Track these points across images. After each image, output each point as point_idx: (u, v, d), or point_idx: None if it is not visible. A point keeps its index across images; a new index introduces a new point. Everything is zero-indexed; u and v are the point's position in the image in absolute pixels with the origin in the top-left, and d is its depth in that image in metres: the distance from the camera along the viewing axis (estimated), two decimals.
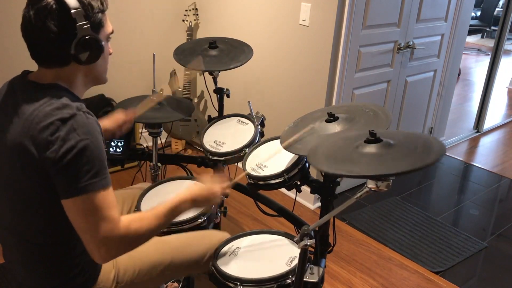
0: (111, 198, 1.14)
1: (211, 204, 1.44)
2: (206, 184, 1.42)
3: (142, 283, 1.44)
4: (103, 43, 1.20)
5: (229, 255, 1.52)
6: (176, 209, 1.30)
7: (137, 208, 1.72)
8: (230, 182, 1.49)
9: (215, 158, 1.91)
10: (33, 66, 1.26)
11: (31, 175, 1.14)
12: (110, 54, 1.32)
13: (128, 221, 1.17)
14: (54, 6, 1.11)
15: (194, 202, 1.35)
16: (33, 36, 1.15)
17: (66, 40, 1.13)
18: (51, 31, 1.12)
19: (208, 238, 1.60)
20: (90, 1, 1.17)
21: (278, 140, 1.63)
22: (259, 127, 1.98)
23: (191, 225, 1.66)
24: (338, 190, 1.60)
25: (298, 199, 2.97)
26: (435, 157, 1.08)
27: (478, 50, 7.54)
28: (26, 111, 1.13)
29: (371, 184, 1.13)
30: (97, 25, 1.19)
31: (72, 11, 1.12)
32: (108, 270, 1.38)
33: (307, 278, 1.36)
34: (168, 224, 1.31)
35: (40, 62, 1.19)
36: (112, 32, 1.28)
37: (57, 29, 1.12)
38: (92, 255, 1.15)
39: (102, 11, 1.21)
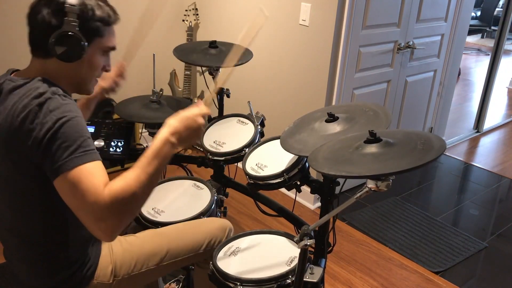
0: (95, 171, 1.08)
1: (196, 133, 1.24)
2: (181, 113, 1.26)
3: (139, 276, 1.45)
4: (86, 45, 1.18)
5: (229, 255, 1.52)
6: (160, 151, 1.16)
7: None
8: (205, 98, 1.31)
9: (215, 158, 1.91)
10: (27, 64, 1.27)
11: (24, 170, 1.14)
12: (106, 70, 1.31)
13: (110, 184, 1.08)
14: None
15: (175, 135, 1.20)
16: (30, 19, 1.19)
17: (51, 29, 1.15)
18: (43, 17, 1.16)
19: (205, 225, 1.61)
20: (94, 7, 1.20)
21: (278, 140, 1.63)
22: (259, 127, 1.98)
23: None
24: (338, 190, 1.60)
25: (298, 199, 2.97)
26: (436, 154, 1.08)
27: (478, 50, 7.54)
28: (7, 106, 1.15)
29: (371, 184, 1.13)
30: (91, 31, 1.20)
31: (67, 5, 1.15)
32: (106, 264, 1.39)
33: (307, 278, 1.35)
34: (159, 174, 1.16)
35: (31, 48, 1.22)
36: (112, 48, 1.28)
37: (48, 17, 1.16)
38: (96, 234, 1.08)
39: (105, 23, 1.22)
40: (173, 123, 1.22)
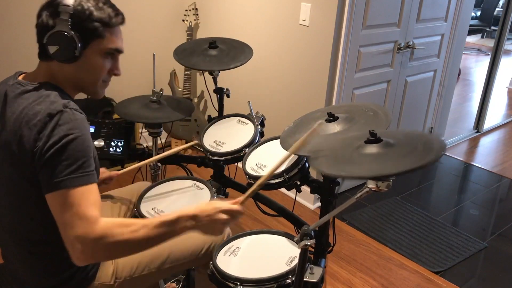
0: (91, 196, 1.09)
1: (216, 227, 1.23)
2: (215, 202, 1.26)
3: (141, 278, 1.45)
4: (78, 45, 1.17)
5: (229, 255, 1.52)
6: (173, 224, 1.16)
7: (137, 208, 1.72)
8: (241, 200, 1.28)
9: (215, 158, 1.91)
10: (33, 67, 1.27)
11: (23, 174, 1.15)
12: (115, 74, 1.28)
13: (109, 224, 1.09)
14: (56, 0, 1.18)
15: (195, 218, 1.19)
16: (36, 25, 1.21)
17: (47, 30, 1.17)
18: (42, 20, 1.18)
19: None
20: (92, 8, 1.18)
21: (278, 140, 1.63)
22: (259, 127, 1.98)
23: None
24: (338, 190, 1.60)
25: (298, 199, 2.97)
26: (436, 155, 1.08)
27: (478, 50, 7.53)
28: (16, 110, 1.15)
29: (371, 184, 1.13)
30: (89, 32, 1.18)
31: (62, 6, 1.16)
32: (107, 266, 1.39)
33: (307, 278, 1.35)
34: (162, 240, 1.16)
35: (38, 52, 1.23)
36: (116, 50, 1.25)
37: (46, 19, 1.18)
38: (69, 254, 1.08)
39: (105, 24, 1.20)
40: (202, 206, 1.22)
